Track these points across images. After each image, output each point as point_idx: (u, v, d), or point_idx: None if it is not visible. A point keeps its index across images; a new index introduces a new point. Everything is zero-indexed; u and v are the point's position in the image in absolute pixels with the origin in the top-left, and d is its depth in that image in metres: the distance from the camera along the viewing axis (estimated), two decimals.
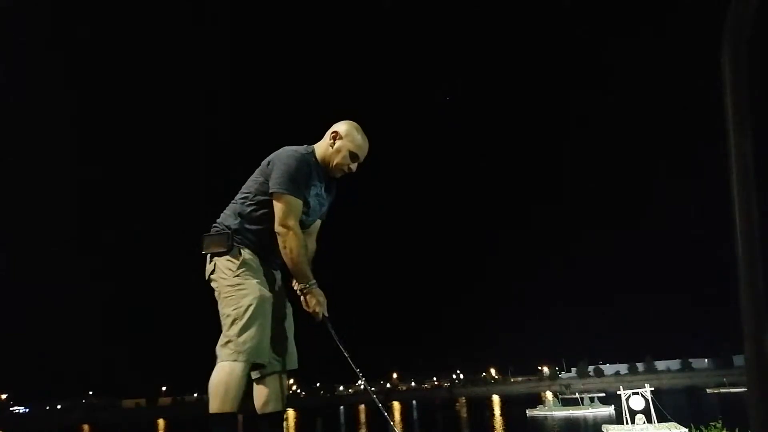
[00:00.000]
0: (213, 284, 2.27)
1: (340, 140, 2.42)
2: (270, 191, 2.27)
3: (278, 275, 2.50)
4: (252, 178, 2.43)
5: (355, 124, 2.47)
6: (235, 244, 2.25)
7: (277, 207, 2.23)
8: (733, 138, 0.81)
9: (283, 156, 2.32)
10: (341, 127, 2.45)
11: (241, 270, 2.22)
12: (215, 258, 2.26)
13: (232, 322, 2.15)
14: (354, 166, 2.46)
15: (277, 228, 2.22)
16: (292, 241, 2.20)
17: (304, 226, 2.38)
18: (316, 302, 2.28)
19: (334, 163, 2.43)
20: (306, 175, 2.32)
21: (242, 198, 2.37)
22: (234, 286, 2.19)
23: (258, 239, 2.32)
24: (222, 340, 2.16)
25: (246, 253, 2.27)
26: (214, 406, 2.07)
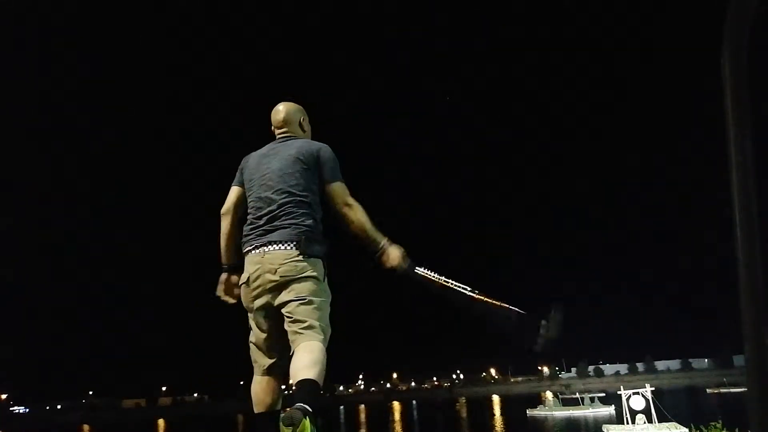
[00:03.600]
0: (312, 280, 2.35)
1: (305, 120, 2.73)
2: None
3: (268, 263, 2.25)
4: (294, 171, 2.54)
5: (288, 104, 2.70)
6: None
7: (345, 192, 2.44)
8: (733, 138, 0.81)
9: (329, 151, 2.58)
10: (294, 114, 2.69)
11: (326, 279, 2.37)
12: (314, 259, 2.35)
13: (329, 321, 2.32)
14: (276, 130, 2.67)
15: (353, 205, 2.40)
16: (358, 214, 2.38)
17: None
18: (397, 254, 2.38)
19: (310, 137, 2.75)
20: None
21: (307, 202, 2.47)
22: (329, 293, 2.37)
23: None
24: (320, 330, 2.27)
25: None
26: (321, 376, 2.15)
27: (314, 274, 2.25)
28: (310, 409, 1.85)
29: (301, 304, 2.19)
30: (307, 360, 2.04)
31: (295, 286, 2.21)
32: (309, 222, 2.32)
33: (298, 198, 2.34)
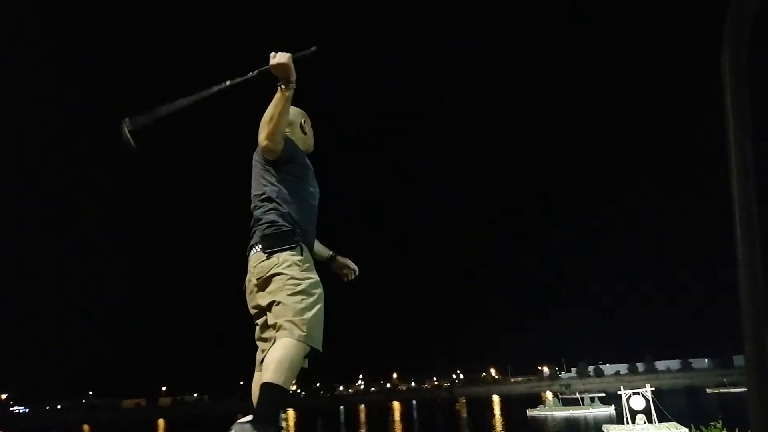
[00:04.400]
0: (277, 277, 2.22)
1: (306, 123, 2.66)
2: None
3: None
4: (256, 174, 2.46)
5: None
6: (297, 241, 2.28)
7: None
8: (733, 138, 0.81)
9: None
10: (294, 116, 2.58)
11: (306, 265, 2.27)
12: (277, 254, 2.23)
13: (304, 308, 2.16)
14: None
15: (262, 138, 2.26)
16: (270, 117, 2.23)
17: (315, 198, 2.50)
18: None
19: (313, 141, 2.68)
20: (292, 144, 2.46)
21: (265, 198, 2.38)
22: (303, 279, 2.22)
23: (303, 226, 2.36)
24: (287, 325, 2.13)
25: (304, 248, 2.31)
26: (278, 376, 2.04)
27: (279, 270, 2.20)
28: (247, 421, 1.88)
29: (274, 306, 2.18)
30: (266, 362, 2.04)
31: (269, 288, 2.22)
32: (270, 217, 2.30)
33: (260, 196, 2.37)
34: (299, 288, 2.18)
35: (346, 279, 2.72)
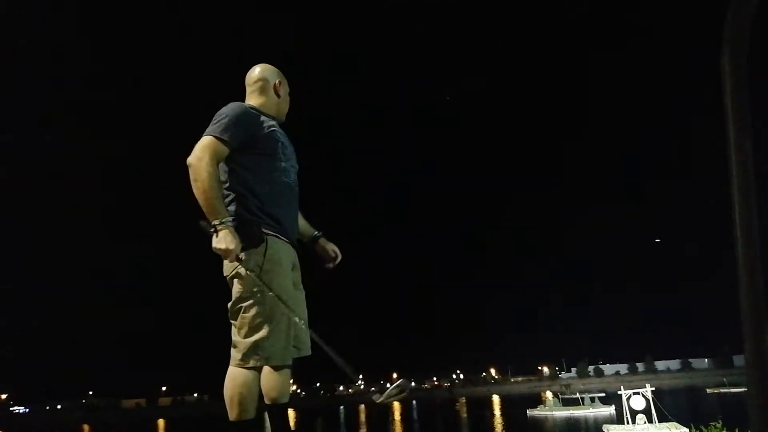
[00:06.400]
0: (236, 279, 2.07)
1: (282, 86, 2.39)
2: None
3: (295, 255, 2.28)
4: None
5: (266, 65, 2.41)
6: (264, 232, 2.07)
7: (198, 145, 2.03)
8: (733, 138, 0.81)
9: (222, 108, 2.17)
10: (269, 73, 2.38)
11: (269, 266, 2.06)
12: (240, 253, 2.03)
13: (256, 327, 2.03)
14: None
15: (189, 160, 1.99)
16: (203, 173, 1.95)
17: (289, 175, 2.27)
18: (231, 239, 1.93)
19: (286, 110, 2.44)
20: (247, 121, 2.16)
21: (227, 187, 2.15)
22: (262, 286, 2.03)
23: (274, 212, 2.14)
24: (241, 344, 2.03)
25: (272, 243, 2.09)
26: (234, 414, 2.02)
27: (239, 270, 2.04)
28: None
29: (232, 310, 2.07)
30: (225, 397, 2.05)
31: (232, 288, 2.10)
32: (232, 208, 2.10)
33: (222, 184, 2.13)
34: (255, 299, 2.02)
35: (324, 266, 2.43)
